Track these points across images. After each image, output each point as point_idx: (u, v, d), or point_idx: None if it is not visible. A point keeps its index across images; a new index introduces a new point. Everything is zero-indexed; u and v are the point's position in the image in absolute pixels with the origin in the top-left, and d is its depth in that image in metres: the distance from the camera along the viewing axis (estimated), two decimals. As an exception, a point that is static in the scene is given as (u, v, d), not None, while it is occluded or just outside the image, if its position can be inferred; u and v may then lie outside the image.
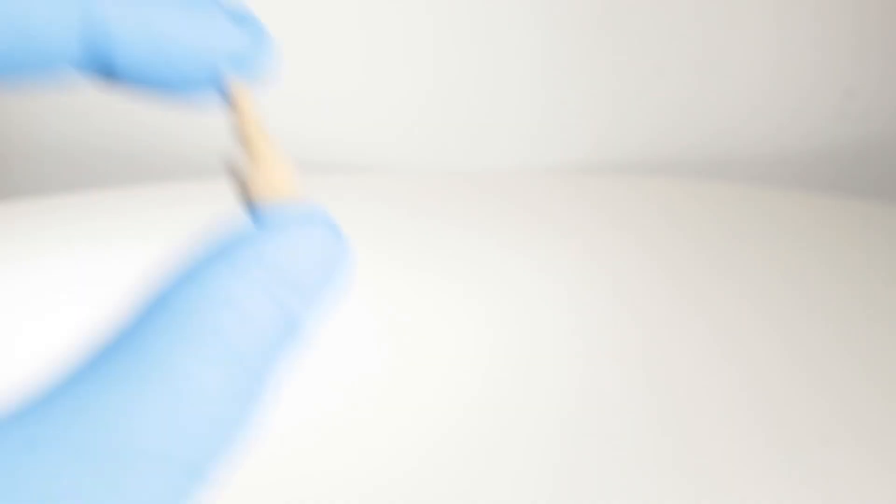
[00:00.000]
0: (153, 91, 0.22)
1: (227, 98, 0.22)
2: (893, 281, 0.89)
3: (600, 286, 0.87)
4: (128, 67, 0.21)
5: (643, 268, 0.89)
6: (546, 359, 0.80)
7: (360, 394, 0.78)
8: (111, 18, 0.21)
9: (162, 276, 0.21)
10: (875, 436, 0.76)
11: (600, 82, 0.97)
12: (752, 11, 0.95)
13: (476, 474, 0.71)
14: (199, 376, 0.20)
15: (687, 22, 0.95)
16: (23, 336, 0.76)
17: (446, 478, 0.70)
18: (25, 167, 0.93)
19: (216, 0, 0.22)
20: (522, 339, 0.82)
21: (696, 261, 0.90)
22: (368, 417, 0.68)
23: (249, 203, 0.22)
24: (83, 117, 0.94)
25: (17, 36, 0.20)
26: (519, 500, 0.71)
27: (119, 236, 0.86)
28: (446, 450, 0.72)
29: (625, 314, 0.85)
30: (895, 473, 0.73)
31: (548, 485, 0.72)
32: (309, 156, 0.98)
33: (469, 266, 0.87)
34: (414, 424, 0.71)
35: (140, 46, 0.21)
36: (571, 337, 0.83)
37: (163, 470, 0.19)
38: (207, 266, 0.21)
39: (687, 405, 0.78)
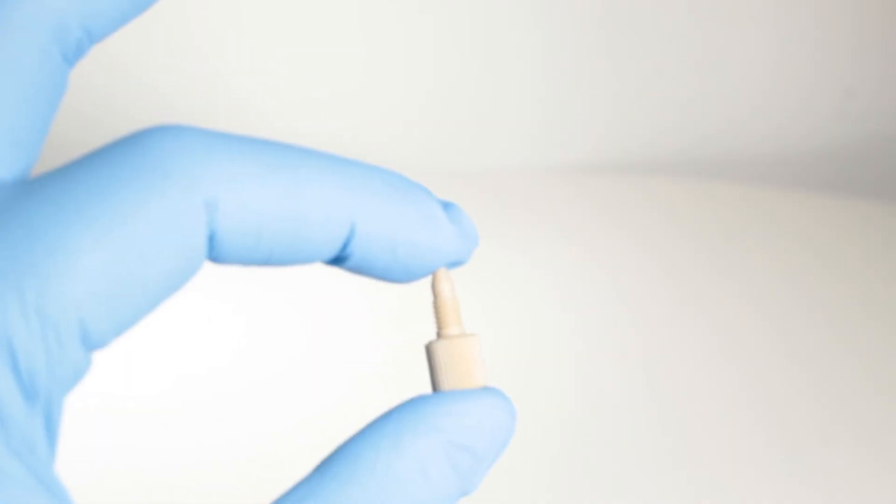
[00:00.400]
0: (372, 277, 0.25)
1: (431, 280, 0.25)
2: (893, 281, 0.89)
3: (600, 286, 0.87)
4: (361, 263, 0.24)
5: (643, 268, 0.89)
6: (546, 359, 0.80)
7: (359, 393, 0.78)
8: (365, 234, 0.23)
9: (355, 432, 0.24)
10: (875, 436, 0.76)
11: (600, 82, 0.97)
12: (752, 11, 0.95)
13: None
14: None
15: (687, 22, 0.96)
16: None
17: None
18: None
19: (435, 198, 0.25)
20: (522, 339, 0.82)
21: (696, 261, 0.90)
22: (368, 417, 0.68)
23: (436, 384, 0.25)
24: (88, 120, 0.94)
25: (296, 245, 0.23)
26: (519, 499, 0.71)
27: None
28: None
29: (625, 314, 0.85)
30: (895, 473, 0.73)
31: (548, 484, 0.72)
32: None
33: (469, 266, 0.87)
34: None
35: (381, 252, 0.24)
36: (571, 337, 0.83)
37: None
38: (395, 421, 0.24)
39: (687, 405, 0.78)
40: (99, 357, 0.21)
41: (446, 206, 0.25)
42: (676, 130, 0.99)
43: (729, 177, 0.99)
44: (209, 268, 0.23)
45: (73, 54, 0.24)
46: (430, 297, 0.26)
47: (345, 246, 0.24)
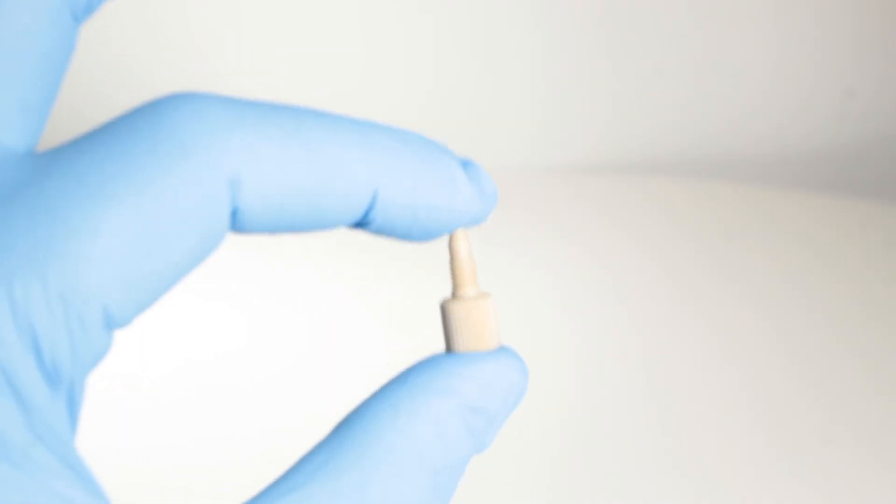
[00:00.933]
0: (391, 237, 0.25)
1: (448, 240, 0.25)
2: (893, 281, 0.89)
3: (600, 286, 0.87)
4: (382, 226, 0.24)
5: (643, 268, 0.89)
6: (546, 359, 0.80)
7: (359, 394, 0.78)
8: (387, 200, 0.23)
9: (373, 393, 0.24)
10: (875, 436, 0.76)
11: (600, 82, 0.97)
12: (752, 11, 0.95)
13: (475, 473, 0.71)
14: (394, 486, 0.23)
15: (687, 22, 0.96)
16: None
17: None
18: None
19: (454, 157, 0.25)
20: (522, 339, 0.81)
21: (696, 261, 0.90)
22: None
23: (450, 345, 0.25)
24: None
25: (318, 214, 0.23)
26: (519, 499, 0.71)
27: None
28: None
29: (625, 314, 0.85)
30: (895, 473, 0.73)
31: (548, 484, 0.72)
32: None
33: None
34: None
35: (401, 216, 0.24)
36: (571, 337, 0.83)
37: None
38: (411, 384, 0.24)
39: (687, 405, 0.78)
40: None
41: (465, 164, 0.25)
42: (676, 130, 0.99)
43: (729, 177, 0.99)
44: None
45: (83, 11, 0.23)
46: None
47: (367, 212, 0.23)
